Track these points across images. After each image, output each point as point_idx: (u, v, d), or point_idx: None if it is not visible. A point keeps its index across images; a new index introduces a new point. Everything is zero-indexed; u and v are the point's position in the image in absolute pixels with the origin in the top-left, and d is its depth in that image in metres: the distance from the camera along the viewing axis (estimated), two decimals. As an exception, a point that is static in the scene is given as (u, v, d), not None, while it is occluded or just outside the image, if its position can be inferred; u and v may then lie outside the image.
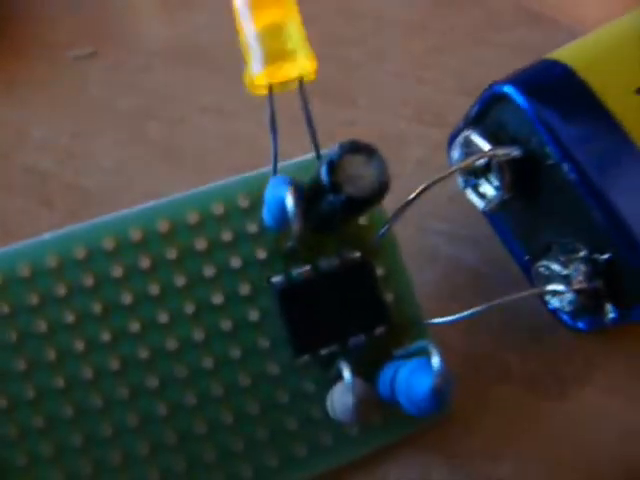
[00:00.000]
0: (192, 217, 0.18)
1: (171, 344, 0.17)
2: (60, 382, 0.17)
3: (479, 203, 0.19)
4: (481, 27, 0.26)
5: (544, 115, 0.18)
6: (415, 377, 0.16)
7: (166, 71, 0.25)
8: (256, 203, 0.18)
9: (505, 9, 0.26)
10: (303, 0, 0.26)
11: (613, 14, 0.20)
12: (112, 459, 0.17)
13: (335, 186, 0.15)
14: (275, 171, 0.17)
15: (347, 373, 0.16)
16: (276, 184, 0.16)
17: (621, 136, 0.18)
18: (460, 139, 0.19)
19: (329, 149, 0.15)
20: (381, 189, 0.15)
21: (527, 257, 0.20)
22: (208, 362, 0.17)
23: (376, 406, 0.17)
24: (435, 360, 0.15)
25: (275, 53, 0.16)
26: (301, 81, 0.16)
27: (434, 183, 0.17)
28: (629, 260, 0.17)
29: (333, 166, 0.15)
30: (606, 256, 0.18)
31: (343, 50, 0.25)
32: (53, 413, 0.17)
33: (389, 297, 0.18)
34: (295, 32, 0.16)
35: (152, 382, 0.17)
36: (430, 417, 0.18)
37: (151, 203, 0.18)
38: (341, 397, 0.16)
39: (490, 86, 0.19)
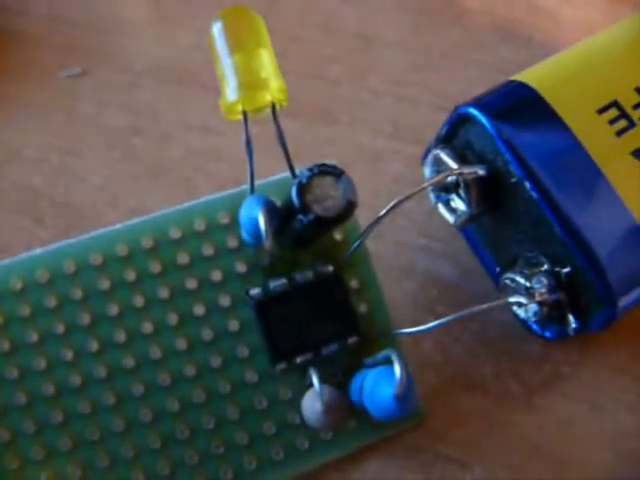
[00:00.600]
0: (175, 233, 0.19)
1: (155, 353, 0.18)
2: (50, 388, 0.18)
3: (450, 218, 0.20)
4: (460, 46, 0.26)
5: (507, 136, 0.18)
6: (379, 385, 0.16)
7: (153, 89, 0.25)
8: (236, 219, 0.18)
9: (484, 28, 0.26)
10: (287, 19, 0.27)
11: (588, 34, 0.21)
12: (99, 462, 0.18)
13: (304, 206, 0.16)
14: (252, 190, 0.18)
15: (315, 380, 0.17)
16: (250, 204, 0.17)
17: (582, 155, 0.18)
18: (430, 157, 0.20)
19: (305, 168, 0.16)
20: (347, 208, 0.16)
21: (498, 269, 0.21)
22: (190, 370, 0.18)
23: (347, 412, 0.18)
24: (396, 368, 0.16)
25: (249, 82, 0.17)
26: (274, 107, 0.17)
27: (404, 200, 0.18)
28: (587, 274, 0.18)
29: (302, 188, 0.16)
30: (567, 269, 0.18)
31: (325, 68, 0.26)
32: (43, 418, 0.17)
33: (362, 308, 0.19)
34: (268, 60, 0.17)
35: (137, 388, 0.18)
36: (401, 423, 0.19)
37: (136, 220, 0.18)
38: (311, 403, 0.17)
39: (456, 108, 0.19)
